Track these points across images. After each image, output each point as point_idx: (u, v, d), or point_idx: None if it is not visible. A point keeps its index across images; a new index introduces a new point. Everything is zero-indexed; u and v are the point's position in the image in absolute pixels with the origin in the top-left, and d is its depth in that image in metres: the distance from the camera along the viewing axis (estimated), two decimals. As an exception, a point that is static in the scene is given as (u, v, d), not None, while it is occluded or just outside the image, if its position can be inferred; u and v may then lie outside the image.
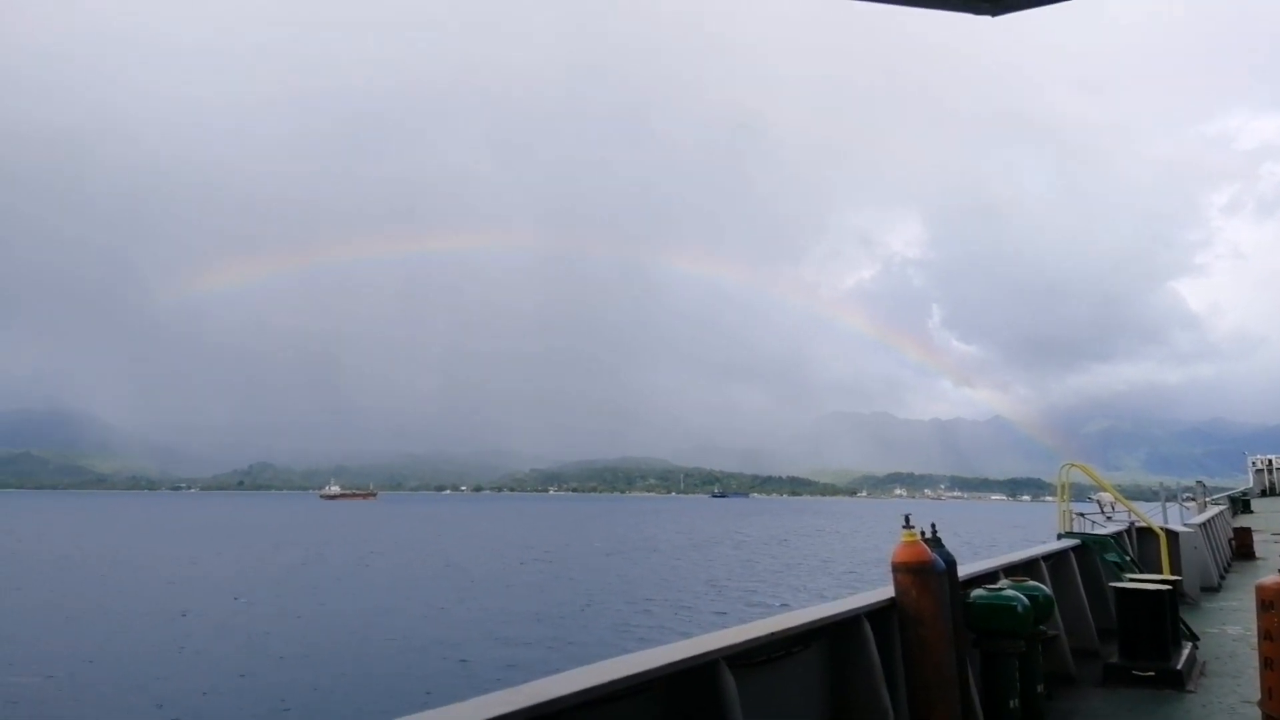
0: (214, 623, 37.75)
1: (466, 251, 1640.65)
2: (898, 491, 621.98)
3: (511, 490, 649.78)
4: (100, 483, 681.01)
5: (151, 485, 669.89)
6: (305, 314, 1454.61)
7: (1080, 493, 23.02)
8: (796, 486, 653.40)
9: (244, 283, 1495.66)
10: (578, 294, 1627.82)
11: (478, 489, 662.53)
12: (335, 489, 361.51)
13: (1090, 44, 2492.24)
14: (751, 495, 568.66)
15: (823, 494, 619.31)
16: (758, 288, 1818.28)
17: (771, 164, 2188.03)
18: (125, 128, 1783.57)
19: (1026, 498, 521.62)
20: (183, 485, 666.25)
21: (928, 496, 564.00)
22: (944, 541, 8.72)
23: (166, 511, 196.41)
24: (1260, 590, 8.85)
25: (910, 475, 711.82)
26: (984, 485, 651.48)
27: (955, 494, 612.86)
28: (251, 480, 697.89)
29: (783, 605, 35.60)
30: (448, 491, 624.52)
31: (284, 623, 37.93)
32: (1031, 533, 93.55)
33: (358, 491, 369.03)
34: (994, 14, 2.60)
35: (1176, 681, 11.33)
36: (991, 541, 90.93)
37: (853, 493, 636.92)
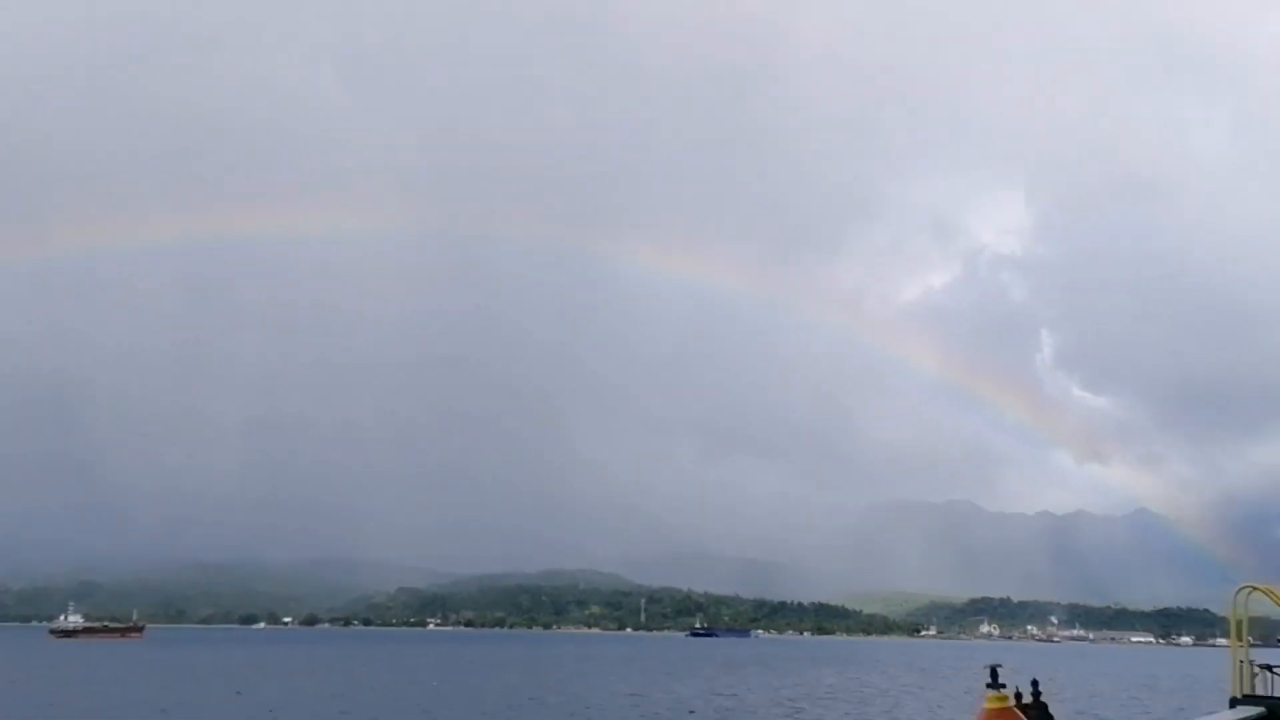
0: None
1: (297, 233, 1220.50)
2: (985, 628, 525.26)
3: (367, 623, 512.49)
4: None
5: None
6: (33, 335, 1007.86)
7: (1271, 631, 19.54)
8: (826, 619, 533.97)
9: None
10: (476, 305, 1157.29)
11: (311, 621, 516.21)
12: (76, 620, 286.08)
13: None
14: (755, 633, 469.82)
15: (868, 631, 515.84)
16: (768, 300, 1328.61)
17: (795, 107, 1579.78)
18: None
19: (1187, 639, 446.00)
20: None
21: (1033, 636, 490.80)
22: (1051, 708, 6.50)
23: None
24: None
25: (1005, 601, 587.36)
26: (1120, 618, 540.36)
27: (1076, 633, 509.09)
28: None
29: None
30: (261, 625, 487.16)
31: None
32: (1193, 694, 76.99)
33: (113, 625, 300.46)
34: None
35: None
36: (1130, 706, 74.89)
37: (915, 630, 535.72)
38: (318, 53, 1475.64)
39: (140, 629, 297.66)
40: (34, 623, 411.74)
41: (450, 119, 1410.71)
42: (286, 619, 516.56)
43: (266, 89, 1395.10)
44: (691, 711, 72.03)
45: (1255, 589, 15.34)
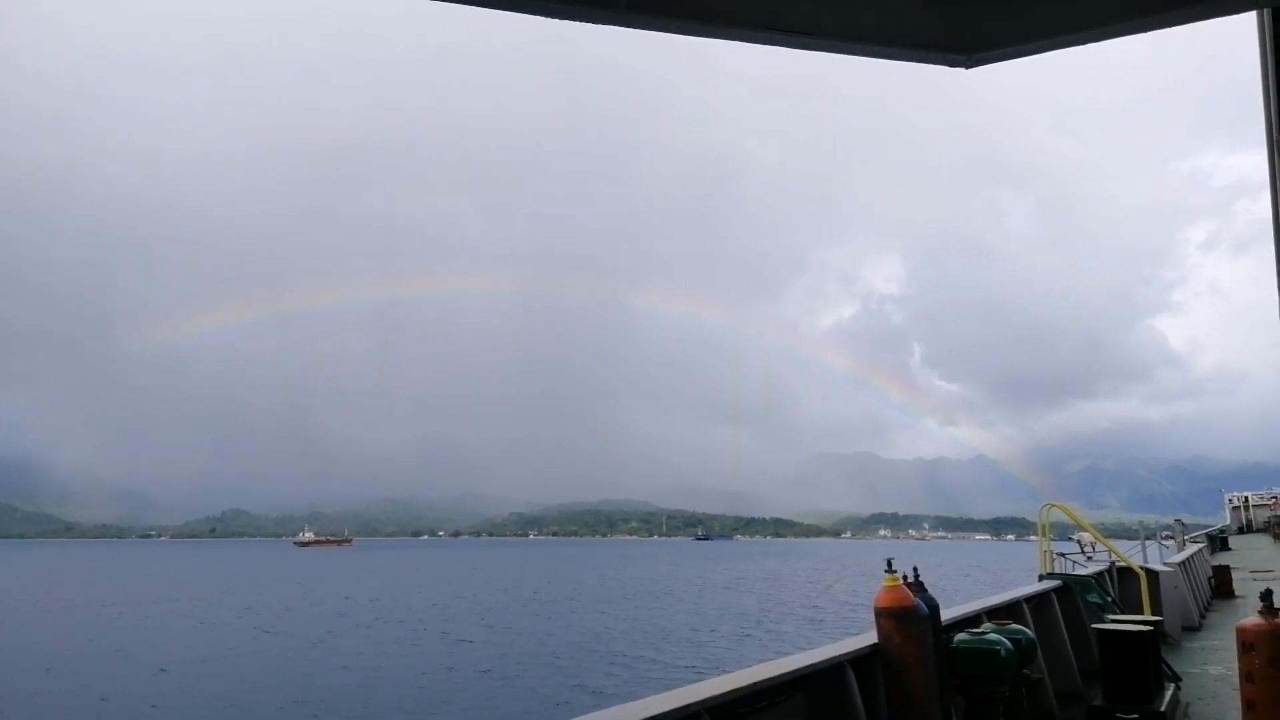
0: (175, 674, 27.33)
1: (441, 295, 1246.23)
2: (882, 532, 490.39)
3: (491, 535, 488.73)
4: (68, 531, 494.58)
5: (120, 533, 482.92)
6: (276, 360, 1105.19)
7: (1063, 532, 17.73)
8: (781, 528, 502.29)
9: (214, 328, 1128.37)
10: (555, 336, 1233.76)
11: (456, 534, 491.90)
12: (309, 536, 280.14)
13: (1065, 88, 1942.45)
14: (736, 537, 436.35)
15: (807, 535, 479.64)
16: (737, 327, 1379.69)
17: (749, 204, 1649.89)
18: (93, 170, 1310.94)
19: (1010, 537, 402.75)
20: (153, 533, 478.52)
21: (912, 537, 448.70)
22: (926, 584, 6.99)
23: (134, 561, 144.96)
24: (1241, 632, 7.01)
25: (895, 515, 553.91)
26: (968, 525, 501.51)
27: (940, 534, 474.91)
28: (224, 528, 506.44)
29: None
30: (425, 537, 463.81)
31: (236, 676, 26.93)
32: (1013, 574, 71.78)
33: (332, 538, 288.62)
34: (968, 66, 2.02)
35: None
36: (973, 582, 69.92)
37: (837, 534, 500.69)
38: (454, 185, 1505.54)
39: (350, 541, 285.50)
40: (282, 538, 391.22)
41: (534, 225, 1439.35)
42: (440, 533, 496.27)
43: (422, 207, 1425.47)
44: (701, 591, 68.79)
45: (1054, 505, 14.97)
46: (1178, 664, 11.75)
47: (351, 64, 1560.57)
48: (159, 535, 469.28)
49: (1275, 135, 2.76)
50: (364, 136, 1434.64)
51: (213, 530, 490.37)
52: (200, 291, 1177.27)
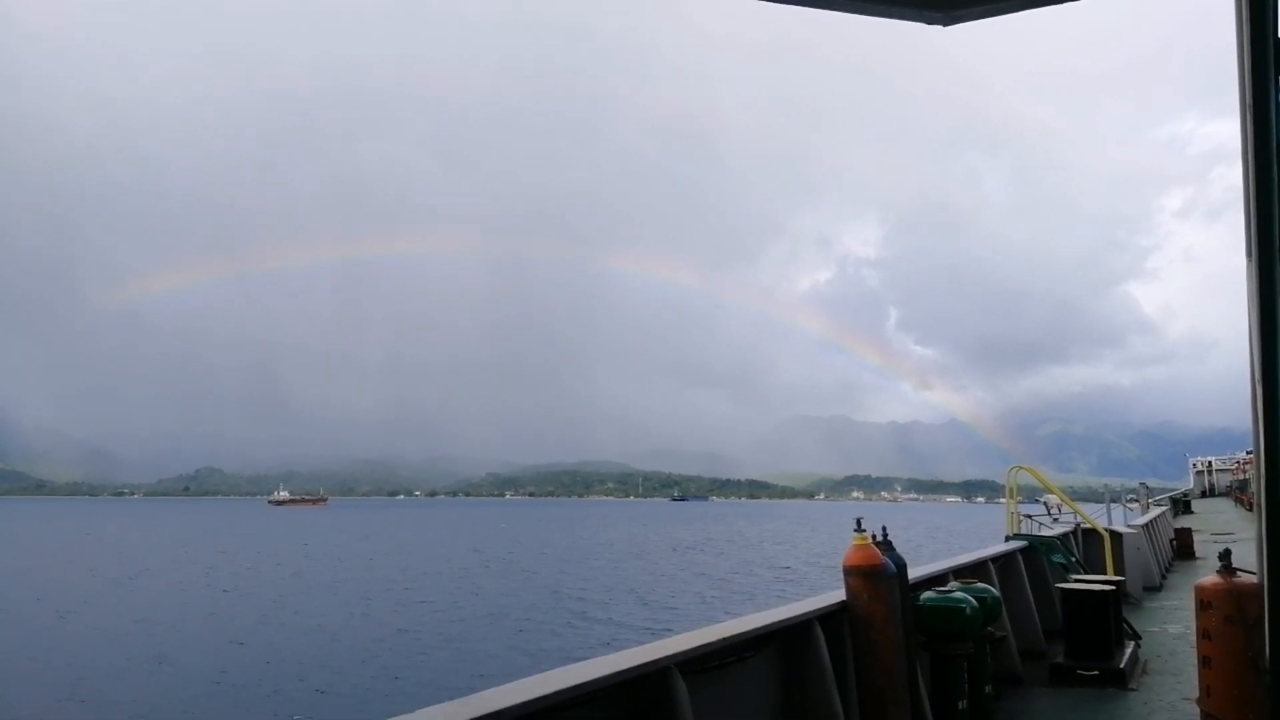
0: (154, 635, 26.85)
1: (413, 254, 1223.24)
2: (855, 494, 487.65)
3: (466, 495, 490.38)
4: (40, 489, 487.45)
5: (92, 491, 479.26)
6: (247, 319, 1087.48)
7: (1031, 495, 17.99)
8: (755, 489, 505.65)
9: (181, 287, 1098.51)
10: (527, 298, 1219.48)
11: (432, 494, 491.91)
12: (284, 495, 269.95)
13: (1044, 53, 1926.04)
14: (711, 498, 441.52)
15: (781, 496, 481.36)
16: (713, 291, 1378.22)
17: (724, 166, 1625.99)
18: (54, 125, 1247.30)
19: (981, 499, 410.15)
20: (125, 491, 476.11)
21: (885, 499, 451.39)
22: (895, 544, 7.09)
23: (113, 518, 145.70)
24: (1199, 590, 7.13)
25: (868, 478, 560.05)
26: (940, 487, 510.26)
27: (912, 496, 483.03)
28: (198, 486, 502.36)
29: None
30: (401, 497, 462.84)
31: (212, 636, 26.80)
32: (981, 535, 71.21)
33: (307, 497, 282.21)
34: (946, 24, 2.02)
35: (1119, 680, 9.16)
36: (941, 542, 70.16)
37: (811, 495, 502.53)
38: (421, 141, 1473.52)
39: (325, 500, 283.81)
40: (257, 496, 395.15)
41: (502, 184, 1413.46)
42: (416, 493, 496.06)
43: (390, 164, 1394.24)
44: (674, 549, 68.91)
45: (1022, 468, 14.96)
46: (1138, 623, 12.05)
47: (311, 9, 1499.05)
48: (132, 493, 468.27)
49: (1249, 101, 2.76)
50: (326, 87, 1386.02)
51: (186, 489, 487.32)
52: (163, 247, 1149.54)
